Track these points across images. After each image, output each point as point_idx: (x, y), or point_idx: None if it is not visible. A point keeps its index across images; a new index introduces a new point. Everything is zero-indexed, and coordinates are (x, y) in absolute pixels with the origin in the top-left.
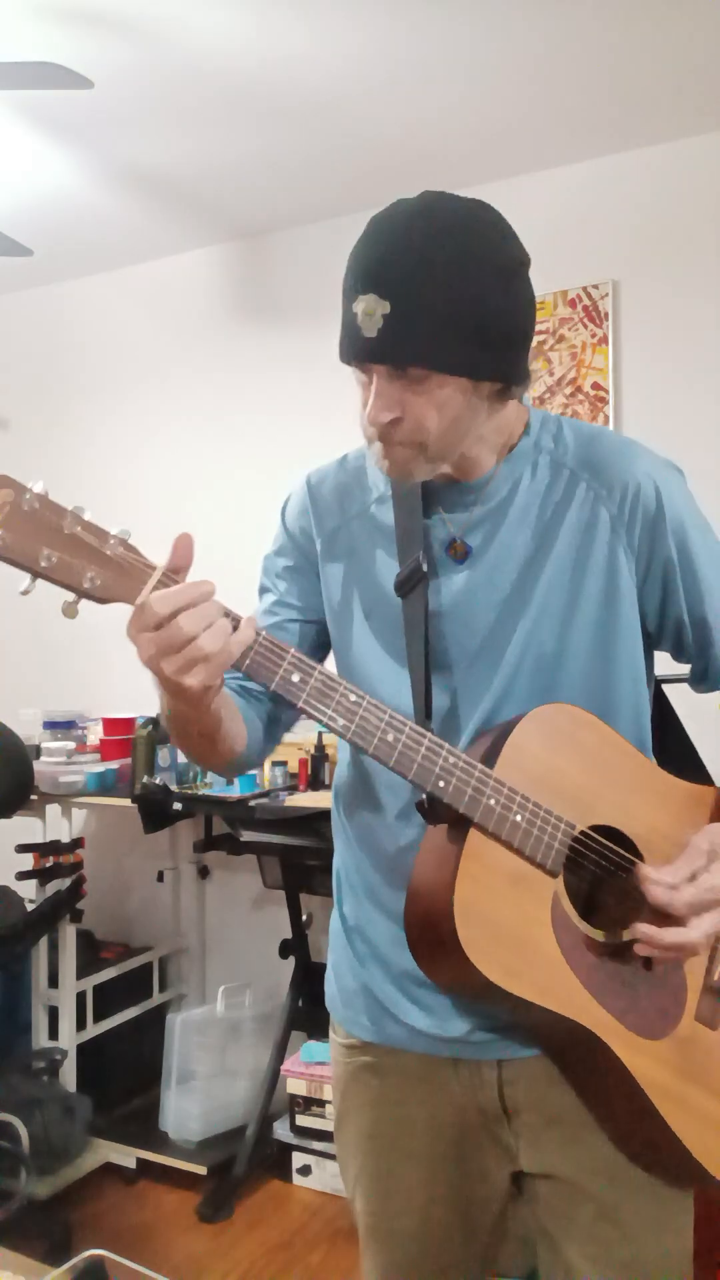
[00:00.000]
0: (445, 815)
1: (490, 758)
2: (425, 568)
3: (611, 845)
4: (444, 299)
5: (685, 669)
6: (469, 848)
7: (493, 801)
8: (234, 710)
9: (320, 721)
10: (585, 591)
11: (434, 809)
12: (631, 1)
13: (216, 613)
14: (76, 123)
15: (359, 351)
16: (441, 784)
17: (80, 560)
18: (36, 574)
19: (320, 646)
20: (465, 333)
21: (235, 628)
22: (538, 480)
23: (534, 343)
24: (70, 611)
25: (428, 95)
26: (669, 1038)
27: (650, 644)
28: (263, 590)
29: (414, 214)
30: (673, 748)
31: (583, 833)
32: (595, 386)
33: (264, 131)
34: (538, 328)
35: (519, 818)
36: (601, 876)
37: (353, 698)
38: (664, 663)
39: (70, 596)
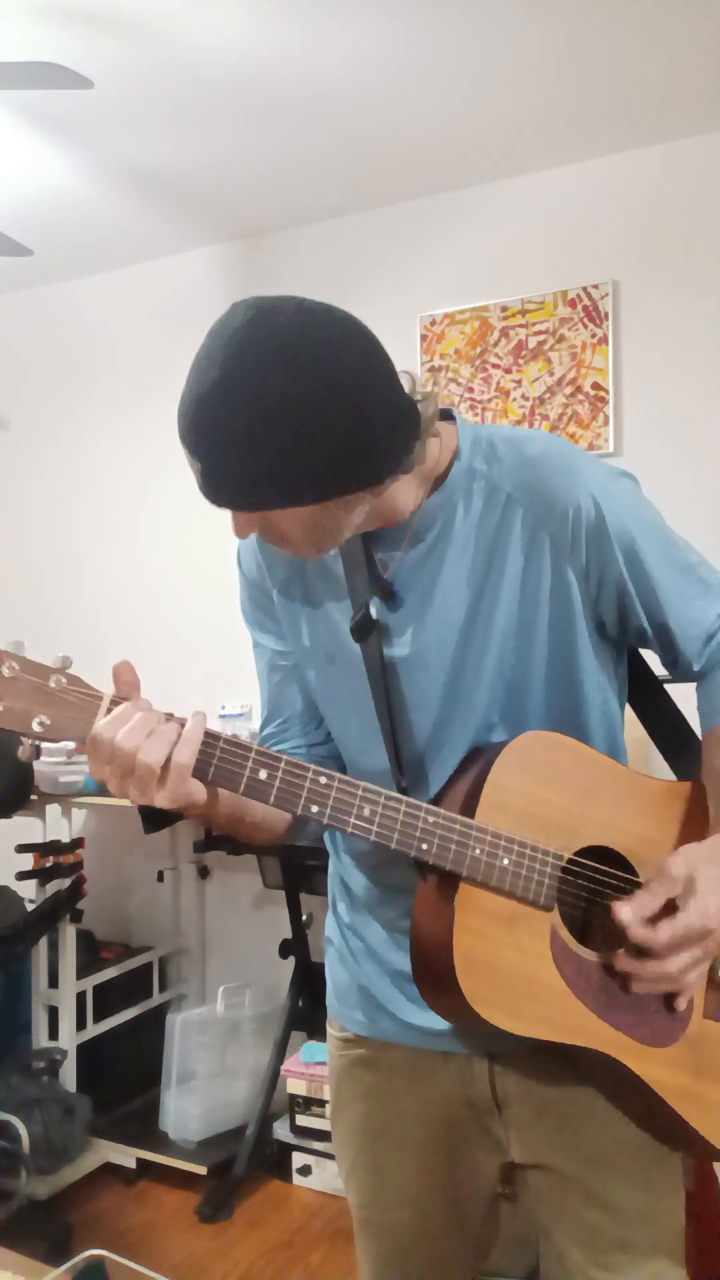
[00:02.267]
0: (435, 868)
1: (471, 802)
2: (373, 613)
3: (599, 866)
4: (253, 454)
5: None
6: (461, 900)
7: (478, 851)
8: None
9: (295, 814)
10: (539, 618)
11: (419, 863)
12: (632, 2)
13: (155, 721)
14: (76, 123)
15: (200, 490)
16: (425, 846)
17: (25, 703)
18: None
19: None
20: (284, 475)
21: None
22: (473, 508)
23: (534, 343)
24: (27, 754)
25: (428, 95)
26: (680, 1041)
27: (619, 648)
28: (255, 645)
29: (214, 354)
30: (670, 736)
31: (570, 860)
32: (595, 386)
33: (264, 131)
34: (537, 327)
35: (506, 861)
36: (595, 898)
37: (323, 780)
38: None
39: (25, 740)
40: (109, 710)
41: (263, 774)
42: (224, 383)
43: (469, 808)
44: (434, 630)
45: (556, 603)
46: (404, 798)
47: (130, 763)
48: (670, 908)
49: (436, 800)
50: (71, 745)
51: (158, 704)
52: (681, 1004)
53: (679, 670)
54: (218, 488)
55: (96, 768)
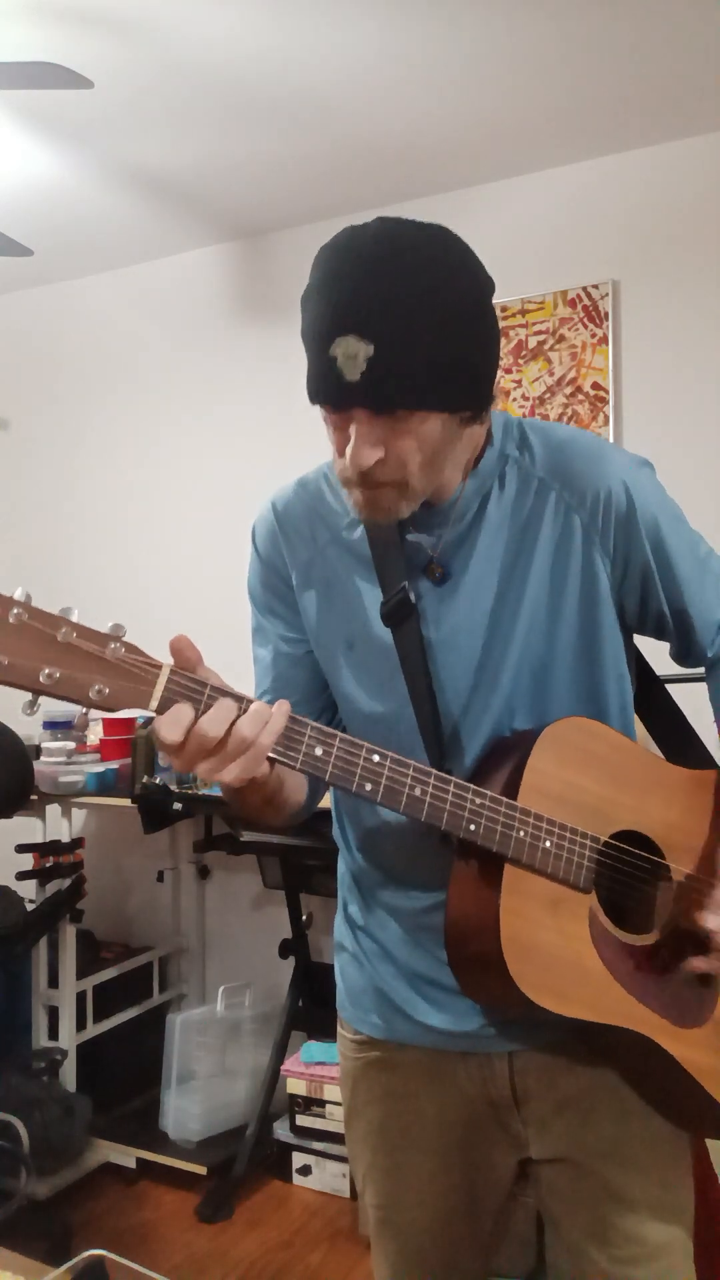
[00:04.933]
0: (477, 850)
1: (512, 785)
2: (413, 597)
3: (634, 850)
4: (425, 337)
5: (684, 670)
6: (507, 883)
7: (522, 834)
8: None
9: (349, 792)
10: (566, 601)
11: (463, 846)
12: (631, 2)
13: (235, 703)
14: (76, 123)
15: (340, 395)
16: (473, 827)
17: (82, 671)
18: (38, 692)
19: None
20: (445, 369)
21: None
22: (506, 493)
23: (534, 343)
24: (83, 724)
25: (428, 95)
26: (709, 1022)
27: (630, 635)
28: (258, 629)
29: (380, 249)
30: (672, 733)
31: (606, 843)
32: (595, 386)
33: (264, 131)
34: (537, 327)
35: (548, 843)
36: (629, 881)
37: (375, 758)
38: (666, 664)
39: (79, 709)
40: (169, 681)
41: (319, 750)
42: (407, 261)
43: (510, 791)
44: (464, 613)
45: (585, 587)
46: (451, 778)
47: (215, 740)
48: None
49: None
50: (72, 746)
51: None
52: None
53: (692, 659)
54: (382, 378)
55: (168, 744)
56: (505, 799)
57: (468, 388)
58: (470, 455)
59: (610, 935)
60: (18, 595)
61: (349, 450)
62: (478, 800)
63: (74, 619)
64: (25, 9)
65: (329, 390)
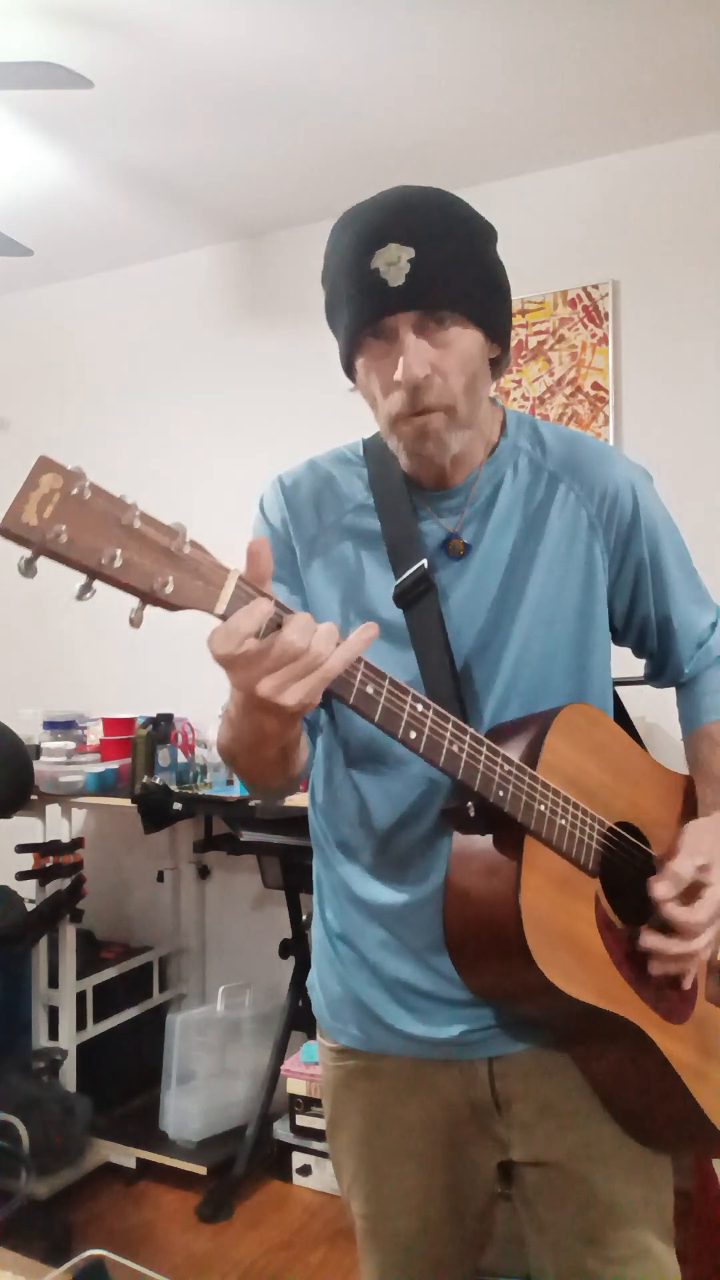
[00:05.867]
0: (492, 823)
1: (531, 760)
2: (433, 578)
3: (633, 840)
4: (461, 244)
5: (638, 673)
6: (528, 854)
7: (543, 807)
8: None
9: (394, 737)
10: (567, 590)
11: (481, 817)
12: (632, 1)
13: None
14: (76, 123)
15: (385, 302)
16: (501, 792)
17: (148, 560)
18: (97, 575)
19: None
20: (479, 279)
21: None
22: (519, 481)
23: (534, 343)
24: (138, 620)
25: (428, 95)
26: (690, 1020)
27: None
28: None
29: (400, 189)
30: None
31: (611, 829)
32: (595, 386)
33: (264, 131)
34: (537, 327)
35: (564, 821)
36: (624, 870)
37: (420, 707)
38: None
39: (135, 603)
40: (238, 586)
41: (370, 688)
42: (430, 191)
43: (529, 763)
44: (475, 592)
45: (586, 578)
46: (485, 739)
47: (296, 651)
48: (694, 885)
49: None
50: (72, 746)
51: (163, 697)
52: (687, 983)
53: (667, 675)
54: (425, 277)
55: (232, 647)
56: (530, 770)
57: (497, 308)
58: (486, 439)
59: (610, 922)
60: (73, 468)
61: (401, 363)
62: (507, 766)
63: (132, 503)
64: (25, 9)
65: (373, 303)
